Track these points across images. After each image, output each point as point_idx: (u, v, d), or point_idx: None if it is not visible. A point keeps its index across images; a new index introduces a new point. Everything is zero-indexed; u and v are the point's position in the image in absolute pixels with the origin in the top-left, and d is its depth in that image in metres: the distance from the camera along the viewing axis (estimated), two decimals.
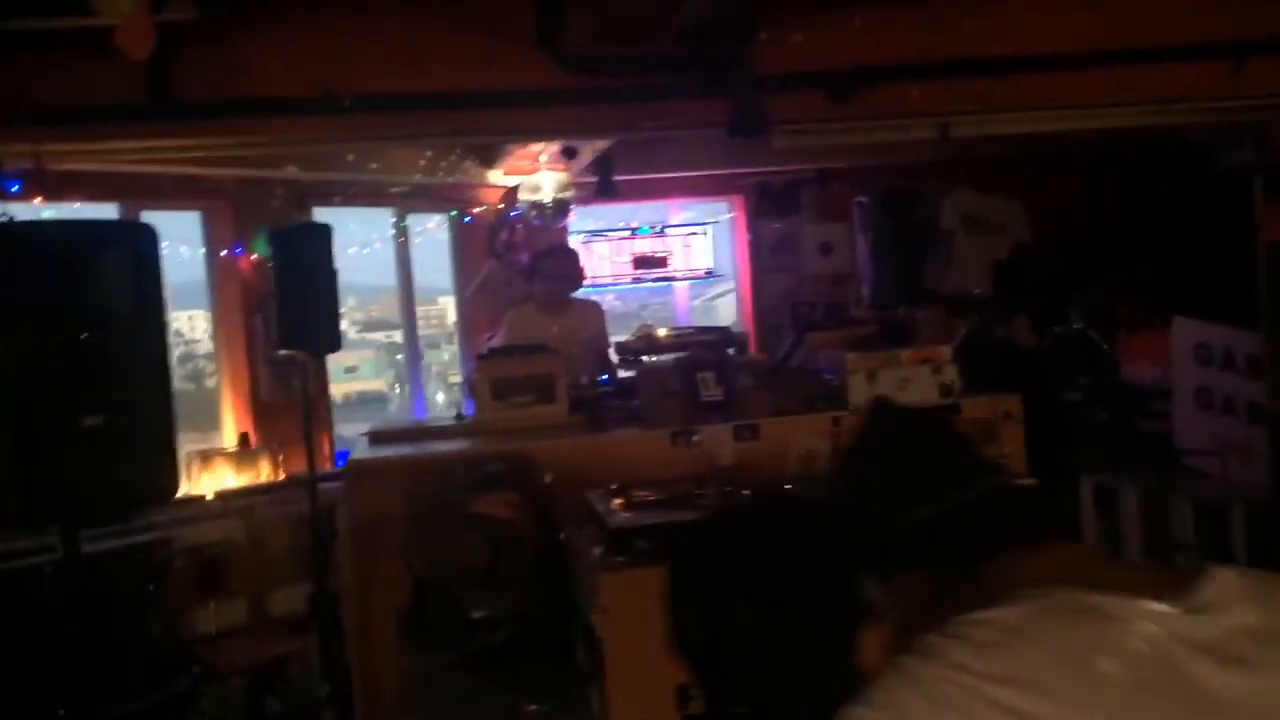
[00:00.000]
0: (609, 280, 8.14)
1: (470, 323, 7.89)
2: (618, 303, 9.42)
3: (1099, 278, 7.77)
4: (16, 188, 5.33)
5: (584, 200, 7.41)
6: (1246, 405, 6.09)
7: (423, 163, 7.06)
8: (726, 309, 9.43)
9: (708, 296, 10.08)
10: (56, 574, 4.73)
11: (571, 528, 3.50)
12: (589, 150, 6.31)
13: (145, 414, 3.01)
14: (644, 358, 5.44)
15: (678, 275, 8.33)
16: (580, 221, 7.94)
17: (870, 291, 6.26)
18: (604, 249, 8.08)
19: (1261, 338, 5.31)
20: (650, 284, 8.37)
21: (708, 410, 4.61)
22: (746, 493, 3.27)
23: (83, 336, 2.88)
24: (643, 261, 8.14)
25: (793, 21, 4.33)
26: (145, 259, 3.01)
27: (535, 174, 7.23)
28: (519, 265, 7.81)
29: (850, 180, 8.35)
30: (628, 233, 8.17)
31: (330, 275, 5.39)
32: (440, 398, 11.21)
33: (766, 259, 8.39)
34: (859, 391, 4.66)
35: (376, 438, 4.94)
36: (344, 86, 3.98)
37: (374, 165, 6.79)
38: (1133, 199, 8.31)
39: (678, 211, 8.52)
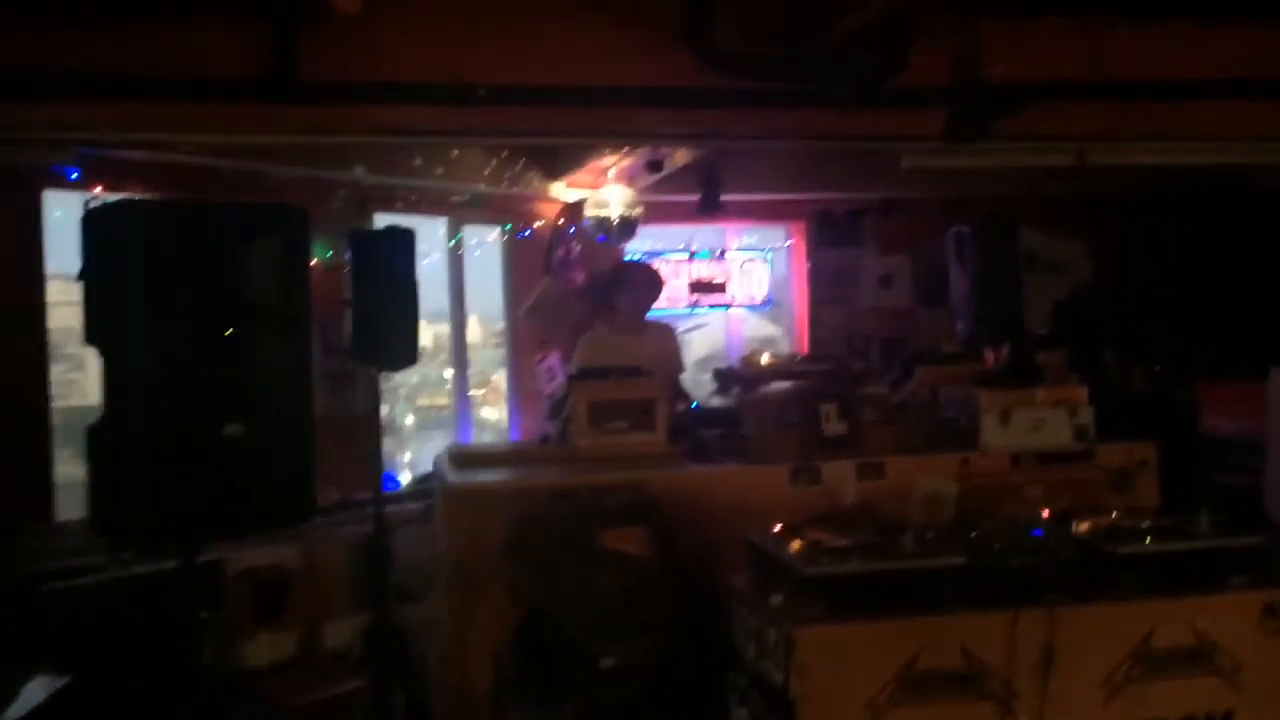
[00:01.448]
0: (664, 304, 7.80)
1: (520, 342, 7.54)
2: None
3: (1169, 321, 7.55)
4: (76, 175, 4.95)
5: (647, 218, 7.10)
6: None
7: (487, 171, 6.75)
8: (700, 343, 8.97)
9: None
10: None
11: (730, 572, 3.15)
12: (672, 165, 6.00)
13: (287, 424, 2.64)
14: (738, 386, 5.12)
15: (735, 302, 8.02)
16: (637, 242, 7.61)
17: (968, 327, 5.99)
18: (662, 271, 7.74)
19: None
20: (707, 309, 8.05)
21: (829, 446, 4.28)
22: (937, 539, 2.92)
23: (227, 333, 2.51)
24: (700, 286, 7.83)
25: (943, 37, 4.04)
26: (296, 248, 2.65)
27: (602, 189, 6.92)
28: (574, 284, 7.49)
29: (911, 213, 8.10)
30: (686, 255, 7.85)
31: (412, 285, 5.00)
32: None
33: (825, 289, 8.10)
34: (992, 432, 4.35)
35: (460, 460, 4.57)
36: (475, 74, 3.66)
37: (439, 171, 6.47)
38: (1199, 242, 8.10)
39: (736, 236, 8.22)
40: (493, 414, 9.34)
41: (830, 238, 8.02)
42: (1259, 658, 2.83)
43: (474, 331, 8.34)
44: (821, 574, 2.71)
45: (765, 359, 4.85)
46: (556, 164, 7.11)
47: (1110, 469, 4.44)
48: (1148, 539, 2.93)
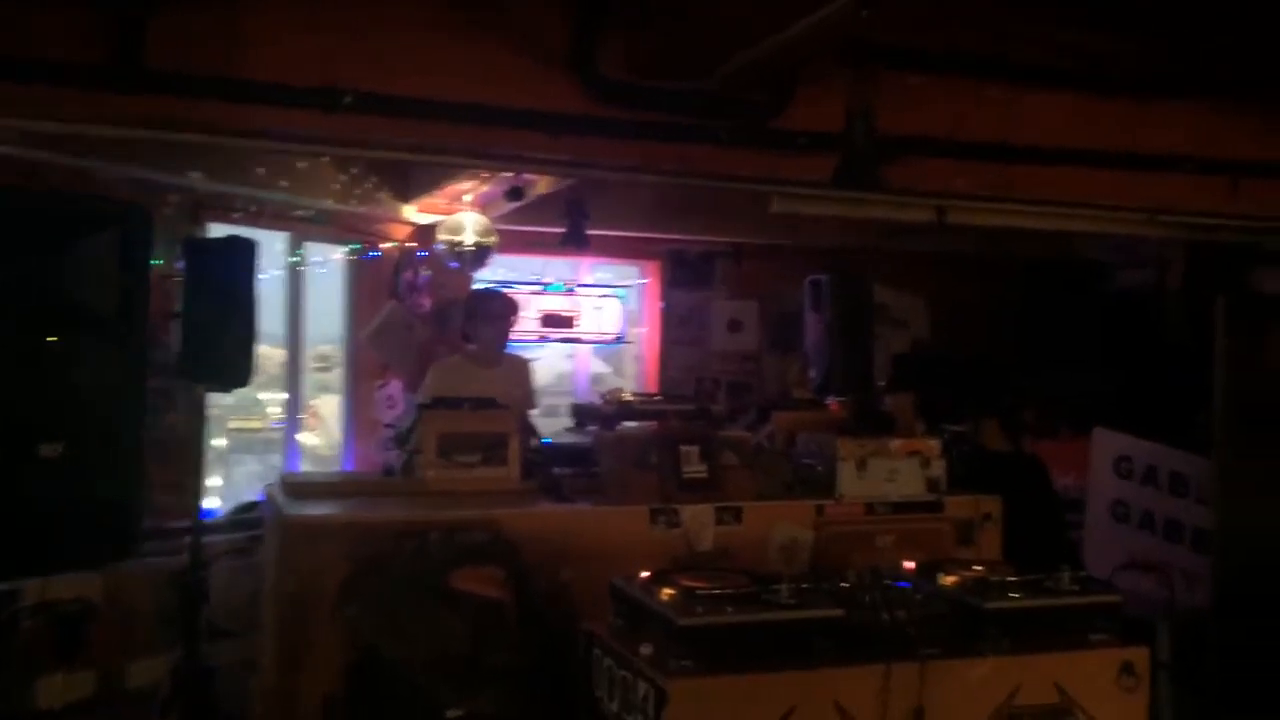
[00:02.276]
0: (512, 337, 7.61)
1: (360, 367, 7.21)
2: None
3: (1000, 381, 7.84)
4: None
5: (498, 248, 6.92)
6: (1165, 521, 6.13)
7: (335, 186, 6.44)
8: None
9: None
10: None
11: (586, 617, 2.99)
12: (532, 194, 5.85)
13: (113, 447, 2.35)
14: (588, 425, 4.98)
15: (585, 338, 7.89)
16: (487, 271, 7.40)
17: (820, 373, 6.03)
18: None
19: (1211, 460, 5.30)
20: (555, 343, 7.88)
21: (689, 488, 4.18)
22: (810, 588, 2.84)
23: (49, 340, 2.22)
24: (551, 320, 7.67)
25: (827, 82, 4.05)
26: (135, 250, 2.37)
27: (457, 214, 6.70)
28: (420, 309, 7.23)
29: (761, 258, 8.18)
30: (538, 288, 7.69)
31: (249, 300, 4.69)
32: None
33: (675, 329, 8.08)
34: (849, 480, 4.34)
35: (294, 489, 4.26)
36: (345, 80, 3.43)
37: (283, 183, 6.13)
38: (1031, 309, 8.46)
39: (589, 271, 8.11)
40: (310, 439, 8.88)
41: (683, 279, 8.01)
42: (1115, 715, 2.85)
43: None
44: (696, 624, 2.58)
45: (625, 396, 4.71)
46: (409, 185, 6.86)
47: (957, 520, 4.49)
48: (1013, 594, 2.92)
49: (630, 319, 8.12)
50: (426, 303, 7.21)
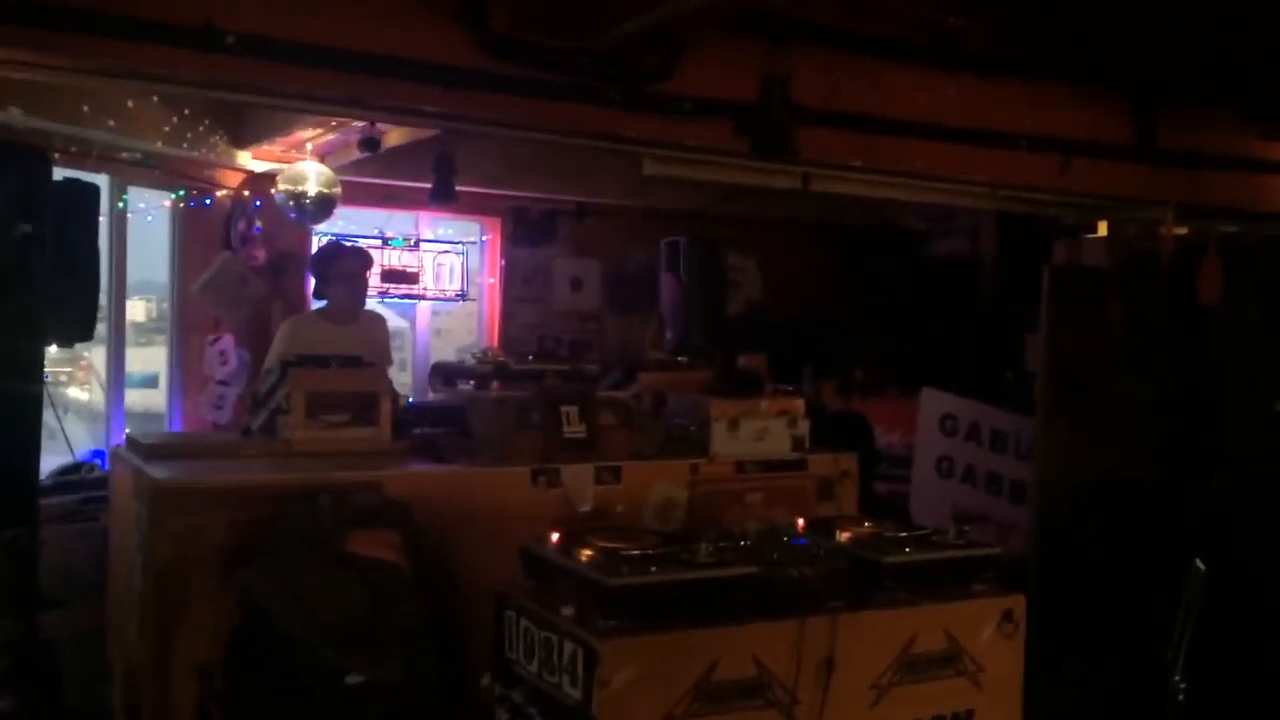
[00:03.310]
0: (314, 287, 7.36)
1: (188, 321, 6.84)
2: None
3: (832, 343, 8.19)
4: None
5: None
6: (986, 475, 6.59)
7: (167, 128, 6.06)
8: None
9: None
10: None
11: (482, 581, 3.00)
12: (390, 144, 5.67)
13: (12, 408, 2.17)
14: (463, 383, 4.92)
15: (427, 294, 7.72)
16: (326, 224, 7.14)
17: (677, 334, 6.13)
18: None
19: (1037, 420, 5.71)
20: (397, 300, 7.68)
21: (569, 448, 4.20)
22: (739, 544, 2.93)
23: None
24: (392, 275, 7.47)
25: (711, 47, 4.11)
26: (34, 195, 2.17)
27: (298, 163, 6.42)
28: (255, 262, 6.91)
29: (603, 217, 8.22)
30: (379, 242, 7.46)
31: (92, 249, 4.40)
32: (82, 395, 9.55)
33: (517, 287, 8.02)
34: (721, 440, 4.46)
35: (151, 451, 4.03)
36: (226, 20, 3.23)
37: (110, 122, 5.72)
38: (855, 274, 8.85)
39: (429, 226, 7.93)
40: (82, 395, 8.34)
41: (525, 236, 7.95)
42: (996, 660, 3.07)
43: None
44: (625, 584, 2.62)
45: (499, 355, 4.66)
46: (245, 130, 6.52)
47: (819, 478, 4.70)
48: (907, 549, 3.09)
49: (471, 276, 8.01)
50: (260, 255, 6.90)
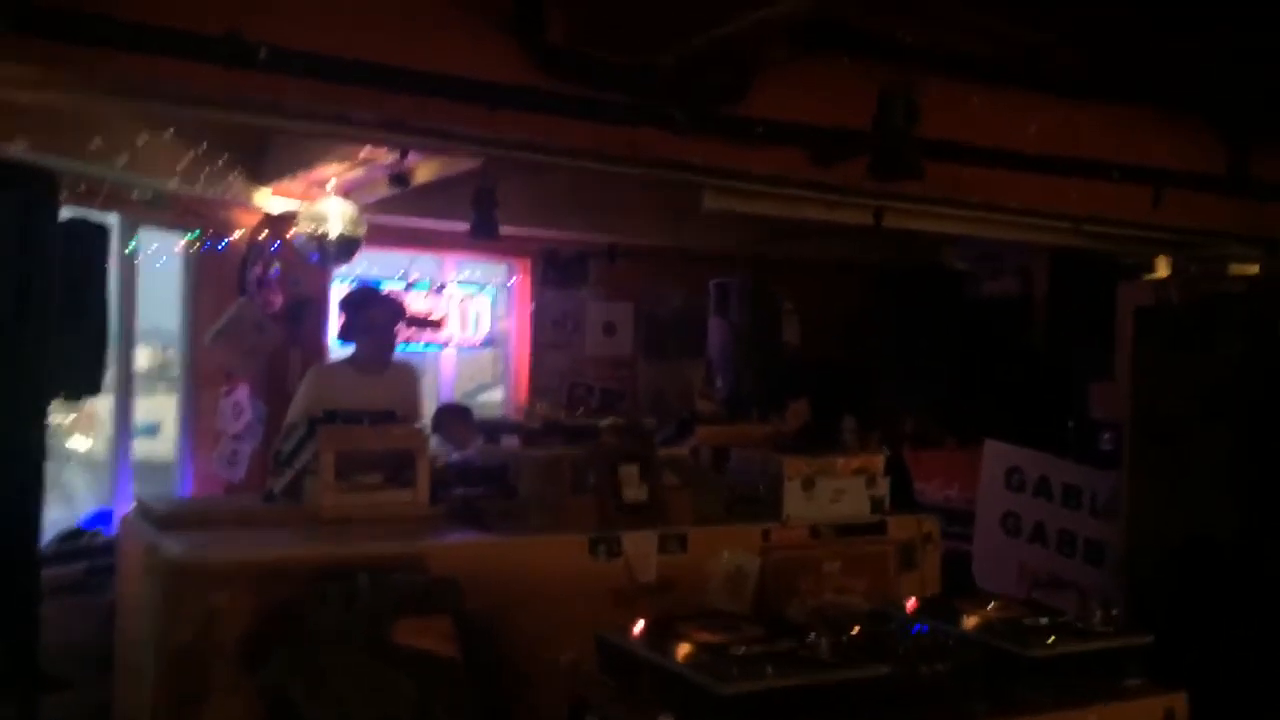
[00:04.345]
0: (341, 333, 6.94)
1: (200, 371, 6.43)
2: None
3: (872, 390, 7.74)
4: None
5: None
6: (1057, 534, 6.12)
7: (182, 165, 5.67)
8: None
9: None
10: None
11: (584, 680, 2.54)
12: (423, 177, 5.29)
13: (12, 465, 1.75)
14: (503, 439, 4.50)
15: (452, 339, 7.30)
16: (346, 268, 6.73)
17: (728, 382, 5.69)
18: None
19: (1123, 475, 5.26)
20: (420, 347, 7.26)
21: (629, 513, 3.77)
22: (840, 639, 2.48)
23: None
24: (416, 321, 7.06)
25: (780, 66, 3.72)
26: (36, 223, 1.77)
27: (319, 201, 6.03)
28: (272, 307, 6.50)
29: (640, 258, 7.83)
30: (402, 286, 7.06)
31: (101, 295, 4.01)
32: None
33: (547, 332, 7.60)
34: (795, 502, 4.03)
35: (162, 519, 3.60)
36: (257, 32, 2.84)
37: (122, 158, 5.34)
38: (898, 317, 8.40)
39: (454, 269, 7.53)
40: (81, 445, 7.90)
41: (555, 278, 7.55)
42: None
43: None
44: (741, 692, 2.17)
45: (545, 409, 4.25)
46: (264, 166, 6.14)
47: (899, 542, 4.25)
48: (1050, 639, 2.64)
49: (499, 321, 7.60)
50: (278, 300, 6.50)
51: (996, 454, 6.40)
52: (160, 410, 7.16)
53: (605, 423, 4.00)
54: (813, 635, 2.42)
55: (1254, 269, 6.75)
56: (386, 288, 6.75)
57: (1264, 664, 4.78)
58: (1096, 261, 7.61)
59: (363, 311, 4.72)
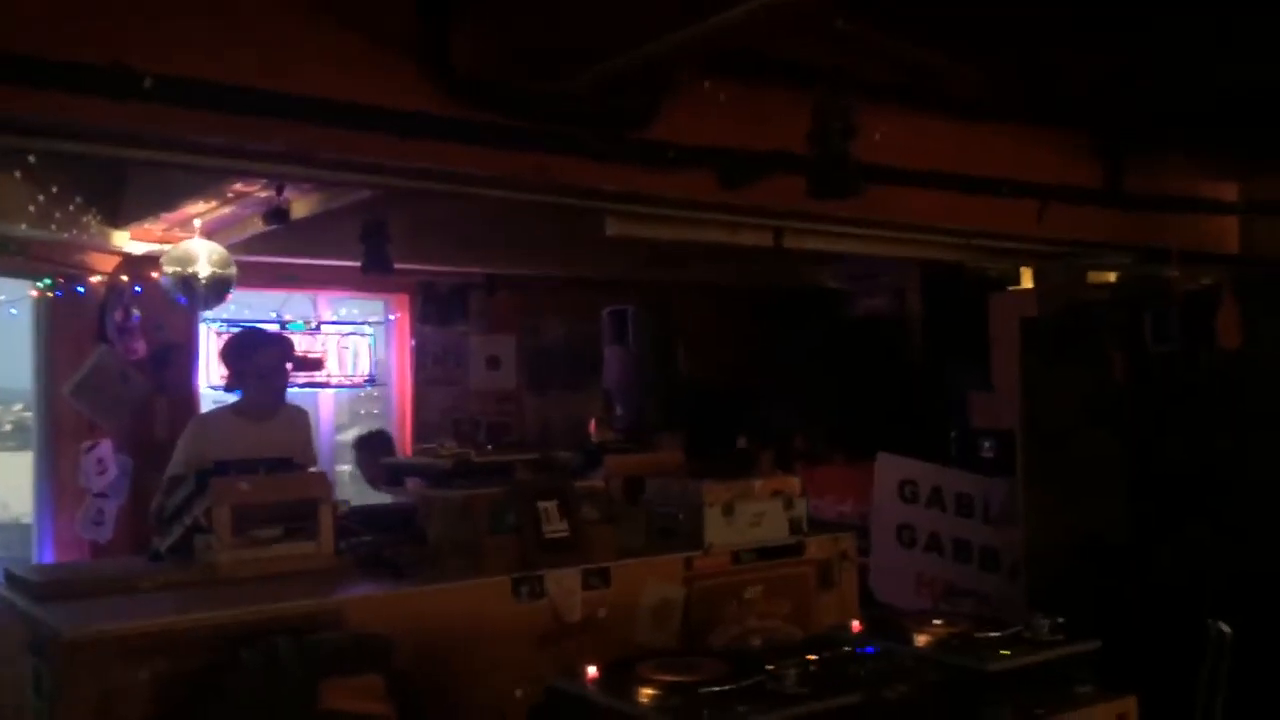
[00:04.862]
0: (226, 380, 6.60)
1: (59, 426, 5.99)
2: None
3: (760, 410, 7.77)
4: None
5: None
6: (952, 543, 6.22)
7: (31, 208, 5.30)
8: None
9: None
10: None
11: None
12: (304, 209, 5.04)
13: None
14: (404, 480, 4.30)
15: (334, 381, 7.00)
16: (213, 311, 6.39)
17: (629, 410, 5.58)
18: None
19: (1017, 482, 5.38)
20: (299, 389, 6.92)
21: (551, 550, 3.62)
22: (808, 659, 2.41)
23: None
24: (295, 363, 6.71)
25: (687, 90, 3.67)
26: None
27: (185, 242, 5.71)
28: (135, 355, 6.12)
29: (520, 289, 7.69)
30: (277, 327, 6.73)
31: None
32: None
33: (429, 368, 7.37)
34: (716, 529, 3.95)
35: (40, 589, 3.29)
36: (141, 59, 2.62)
37: None
38: (777, 338, 8.48)
39: (328, 307, 7.23)
40: None
41: (434, 313, 7.34)
42: None
43: None
44: None
45: (449, 447, 4.06)
46: (122, 207, 5.79)
47: (818, 562, 4.22)
48: (1005, 651, 2.63)
49: (379, 359, 7.34)
50: (141, 348, 6.12)
51: (889, 467, 6.48)
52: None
53: (518, 457, 3.84)
54: (774, 666, 2.33)
55: (1110, 276, 7.07)
56: (265, 328, 6.44)
57: (1163, 662, 4.95)
58: (965, 276, 7.86)
59: (249, 356, 4.45)
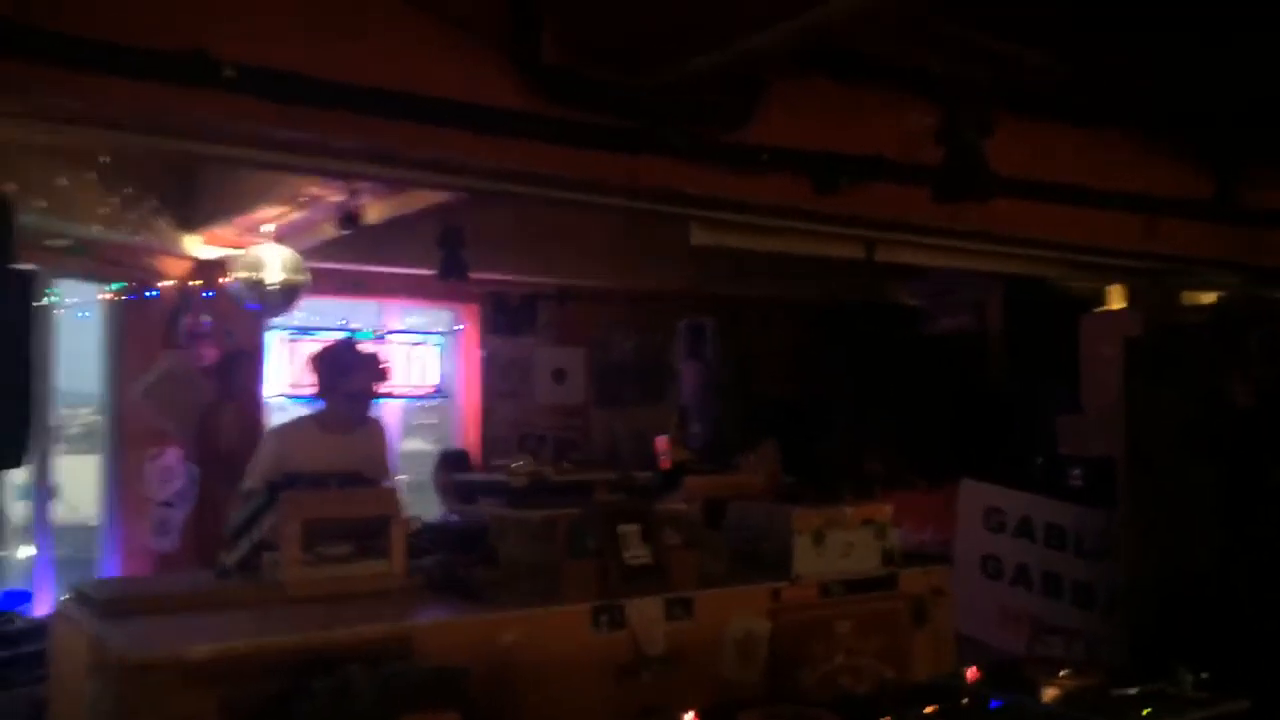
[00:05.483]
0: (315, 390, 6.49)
1: (128, 432, 5.91)
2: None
3: (834, 432, 7.51)
4: None
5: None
6: (1041, 576, 5.91)
7: (106, 210, 5.23)
8: None
9: None
10: None
11: None
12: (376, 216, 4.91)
13: None
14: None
15: (401, 391, 6.87)
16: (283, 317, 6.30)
17: (706, 427, 5.38)
18: (310, 351, 6.45)
19: (1117, 513, 5.07)
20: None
21: (634, 578, 3.42)
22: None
23: None
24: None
25: (779, 92, 3.46)
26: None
27: (256, 248, 5.62)
28: (203, 361, 6.04)
29: (591, 301, 7.51)
30: (344, 335, 6.62)
31: (24, 349, 3.54)
32: None
33: (496, 381, 7.22)
34: (805, 558, 3.72)
35: (107, 605, 3.16)
36: (222, 48, 2.48)
37: (41, 203, 4.88)
38: (851, 354, 8.20)
39: (397, 317, 7.12)
40: None
41: (504, 324, 7.19)
42: None
43: None
44: None
45: (525, 465, 3.88)
46: (194, 211, 5.72)
47: (910, 597, 3.97)
48: (1146, 711, 2.37)
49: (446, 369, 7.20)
50: (211, 353, 6.04)
51: (974, 494, 6.19)
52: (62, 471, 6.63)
53: (598, 477, 3.65)
54: None
55: (1207, 296, 6.72)
56: (322, 335, 6.34)
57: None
58: (1050, 294, 7.54)
59: (345, 374, 4.28)
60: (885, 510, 3.96)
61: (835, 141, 3.62)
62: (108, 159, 4.80)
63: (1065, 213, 4.17)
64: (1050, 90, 3.98)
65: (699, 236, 3.90)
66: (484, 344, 7.23)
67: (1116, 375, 5.46)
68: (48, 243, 5.27)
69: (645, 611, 3.39)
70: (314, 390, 4.35)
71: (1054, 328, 7.28)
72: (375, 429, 4.49)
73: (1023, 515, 5.99)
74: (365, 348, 4.35)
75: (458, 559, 3.74)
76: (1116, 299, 7.36)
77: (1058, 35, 3.83)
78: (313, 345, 5.88)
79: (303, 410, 4.87)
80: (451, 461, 5.09)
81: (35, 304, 3.59)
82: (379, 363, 4.36)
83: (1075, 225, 4.30)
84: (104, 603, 3.19)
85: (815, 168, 3.43)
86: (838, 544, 3.80)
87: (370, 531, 3.54)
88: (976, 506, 6.16)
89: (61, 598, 3.45)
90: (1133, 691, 2.48)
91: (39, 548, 5.44)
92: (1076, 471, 6.34)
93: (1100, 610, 5.53)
